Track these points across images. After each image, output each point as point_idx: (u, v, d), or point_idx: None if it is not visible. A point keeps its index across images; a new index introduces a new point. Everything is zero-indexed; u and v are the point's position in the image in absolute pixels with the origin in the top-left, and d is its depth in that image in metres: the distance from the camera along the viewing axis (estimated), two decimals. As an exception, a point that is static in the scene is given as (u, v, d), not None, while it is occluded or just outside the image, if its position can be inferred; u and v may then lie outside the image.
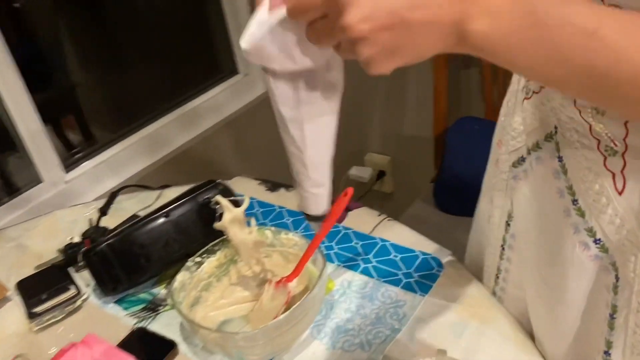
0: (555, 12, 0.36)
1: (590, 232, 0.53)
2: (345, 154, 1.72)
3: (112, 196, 0.91)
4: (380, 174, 1.69)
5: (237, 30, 1.72)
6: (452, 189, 1.25)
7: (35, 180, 1.32)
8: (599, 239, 0.52)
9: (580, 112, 0.50)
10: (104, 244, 0.77)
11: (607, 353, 0.55)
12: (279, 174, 1.99)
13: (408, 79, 1.46)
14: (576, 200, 0.53)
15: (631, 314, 0.52)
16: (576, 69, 0.37)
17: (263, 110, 1.81)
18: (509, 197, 0.66)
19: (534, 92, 0.57)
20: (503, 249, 0.69)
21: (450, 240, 1.15)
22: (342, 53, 0.40)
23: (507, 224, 0.67)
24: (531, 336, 0.67)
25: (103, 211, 0.86)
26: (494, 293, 0.74)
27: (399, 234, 0.84)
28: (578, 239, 0.54)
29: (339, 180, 1.76)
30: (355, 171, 1.71)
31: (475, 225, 0.82)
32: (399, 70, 0.41)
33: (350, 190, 0.71)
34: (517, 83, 0.62)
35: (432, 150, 1.41)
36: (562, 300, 0.58)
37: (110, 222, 0.91)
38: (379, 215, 0.88)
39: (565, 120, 0.52)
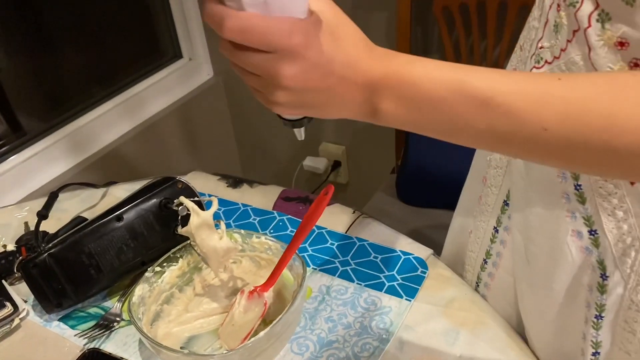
0: (451, 86, 0.38)
1: (588, 221, 0.49)
2: (299, 144, 1.65)
3: (53, 196, 0.80)
4: (335, 165, 1.63)
5: (180, 11, 1.61)
6: (416, 180, 1.21)
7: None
8: (595, 230, 0.49)
9: None
10: (45, 254, 0.66)
11: (595, 354, 0.53)
12: (233, 168, 1.91)
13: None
14: (579, 185, 0.49)
15: (621, 311, 0.50)
16: (479, 134, 0.38)
17: (211, 97, 1.71)
18: (509, 174, 0.61)
19: (546, 61, 0.52)
20: (497, 230, 0.65)
21: (418, 234, 1.11)
22: (251, 82, 0.41)
23: (505, 204, 0.63)
24: (522, 335, 0.64)
25: (43, 214, 0.75)
26: (478, 279, 0.70)
27: (377, 233, 0.78)
28: (573, 225, 0.51)
29: (293, 172, 1.69)
30: (309, 162, 1.65)
31: (459, 210, 0.77)
32: None
33: (331, 189, 0.64)
34: (527, 50, 0.56)
35: (391, 139, 1.36)
36: (550, 290, 0.55)
37: (49, 225, 0.79)
38: (354, 212, 0.82)
39: None
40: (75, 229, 0.70)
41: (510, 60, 0.60)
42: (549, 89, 0.36)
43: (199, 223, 0.61)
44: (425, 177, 1.19)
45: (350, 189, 1.71)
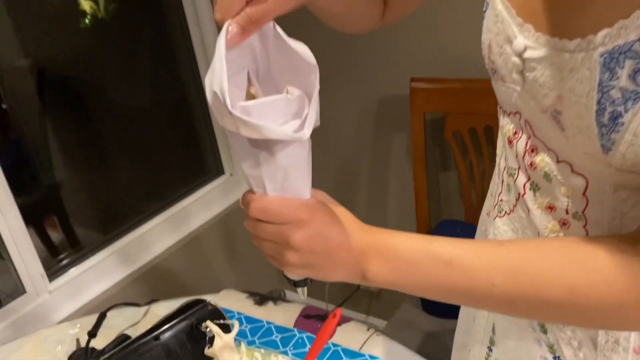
0: (422, 250, 0.48)
1: (551, 349, 0.56)
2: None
3: (101, 316, 0.91)
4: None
5: (222, 131, 1.78)
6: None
7: (18, 290, 1.30)
8: (559, 357, 0.56)
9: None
10: (92, 371, 0.76)
11: None
12: (270, 279, 1.99)
13: (389, 185, 1.51)
14: None
15: None
16: (446, 290, 0.47)
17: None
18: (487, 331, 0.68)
19: (506, 212, 0.60)
20: (490, 349, 0.71)
21: (442, 345, 1.15)
22: (267, 249, 0.51)
23: (494, 325, 0.69)
24: None
25: (92, 333, 0.85)
26: None
27: (389, 350, 0.84)
28: (540, 352, 0.57)
29: (326, 282, 1.76)
30: (341, 269, 1.72)
31: (459, 327, 0.83)
32: (380, 178, 0.51)
33: (339, 312, 0.73)
34: (492, 198, 0.65)
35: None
36: None
37: (96, 342, 0.90)
38: (368, 329, 0.89)
39: None
40: (119, 347, 0.79)
41: (485, 204, 0.69)
42: (494, 253, 0.46)
43: (222, 345, 0.70)
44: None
45: (382, 297, 1.76)
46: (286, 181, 0.47)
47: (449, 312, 1.27)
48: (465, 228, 1.31)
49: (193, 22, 1.63)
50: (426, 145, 1.29)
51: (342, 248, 0.49)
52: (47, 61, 1.44)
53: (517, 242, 0.48)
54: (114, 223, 1.56)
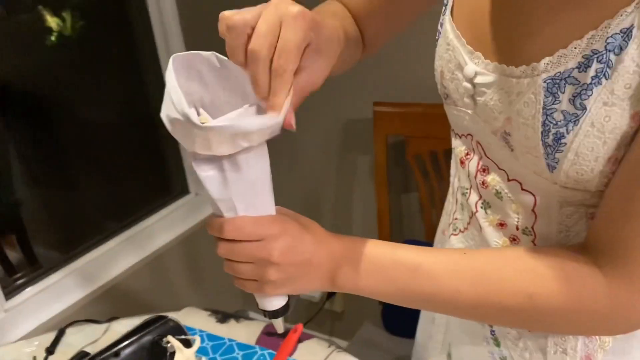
0: (390, 257, 0.50)
1: None
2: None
3: (60, 333, 0.90)
4: (331, 293, 1.72)
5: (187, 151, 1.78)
6: (400, 311, 1.28)
7: (-27, 309, 1.27)
8: None
9: None
10: (48, 389, 0.75)
11: None
12: (234, 299, 1.97)
13: (353, 205, 1.54)
14: (493, 331, 0.59)
15: None
16: (411, 296, 0.50)
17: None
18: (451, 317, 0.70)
19: (460, 230, 0.63)
20: None
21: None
22: (245, 273, 0.50)
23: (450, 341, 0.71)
24: None
25: (50, 350, 0.84)
26: None
27: (348, 366, 0.85)
28: None
29: (290, 300, 1.76)
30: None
31: (416, 344, 0.85)
32: (344, 198, 0.52)
33: (300, 327, 0.74)
34: (447, 217, 0.68)
35: (378, 270, 1.45)
36: None
37: (54, 359, 0.88)
38: (329, 346, 0.90)
39: None
40: (77, 364, 0.79)
41: (440, 222, 0.72)
42: (458, 261, 0.49)
43: (183, 360, 0.71)
44: (408, 308, 1.27)
45: (345, 317, 1.78)
46: (256, 198, 0.48)
47: (411, 331, 1.29)
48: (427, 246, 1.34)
49: (161, 39, 1.64)
50: (388, 167, 1.33)
51: (317, 256, 0.50)
52: (11, 76, 1.43)
53: (478, 251, 0.50)
54: (74, 242, 1.54)
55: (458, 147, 0.59)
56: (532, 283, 0.46)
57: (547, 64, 0.44)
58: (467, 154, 0.57)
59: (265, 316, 0.55)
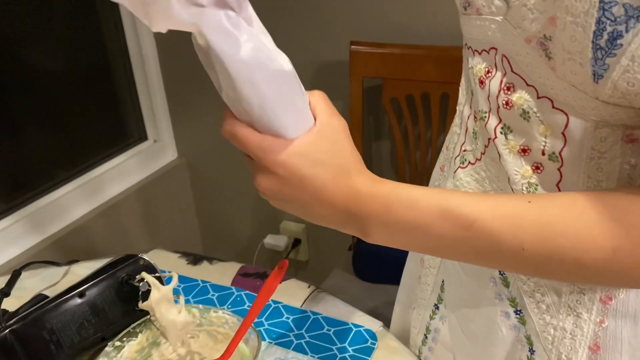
0: (436, 213, 0.43)
1: (513, 302, 0.55)
2: (260, 222, 1.70)
3: (15, 274, 0.82)
4: (296, 242, 1.68)
5: (146, 93, 1.68)
6: (370, 257, 1.26)
7: None
8: (520, 310, 0.55)
9: (512, 189, 0.52)
10: (6, 330, 0.68)
11: None
12: (194, 247, 1.93)
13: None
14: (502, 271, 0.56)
15: None
16: (463, 254, 0.44)
17: (173, 178, 1.76)
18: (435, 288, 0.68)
19: (470, 162, 0.59)
20: (437, 307, 0.70)
21: (373, 310, 1.15)
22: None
23: (443, 283, 0.68)
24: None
25: (5, 292, 0.76)
26: (419, 353, 0.74)
27: (331, 307, 0.82)
28: (501, 307, 0.56)
29: (254, 249, 1.72)
30: (270, 239, 1.69)
31: (402, 286, 0.82)
32: None
33: (285, 263, 0.69)
34: (451, 150, 0.64)
35: (347, 219, 1.43)
36: None
37: (10, 303, 0.81)
38: (309, 287, 0.87)
39: (499, 192, 0.55)
40: (37, 305, 0.72)
41: (438, 159, 0.68)
42: (522, 213, 0.42)
43: (159, 297, 0.65)
44: (379, 254, 1.25)
45: (310, 266, 1.75)
46: (262, 109, 0.42)
47: (382, 277, 1.27)
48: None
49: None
50: (363, 112, 1.28)
51: (320, 204, 0.44)
52: None
53: (545, 198, 0.44)
54: (23, 189, 1.43)
55: (477, 65, 0.52)
56: (617, 235, 0.40)
57: None
58: (488, 71, 0.51)
59: None
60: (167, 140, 1.75)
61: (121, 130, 1.73)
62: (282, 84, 0.43)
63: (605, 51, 0.39)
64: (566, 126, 0.45)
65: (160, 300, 0.65)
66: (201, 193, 1.81)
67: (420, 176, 1.30)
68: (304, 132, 0.44)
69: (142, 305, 0.67)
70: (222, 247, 1.86)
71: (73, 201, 1.47)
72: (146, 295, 0.68)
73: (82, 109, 1.62)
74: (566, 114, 0.44)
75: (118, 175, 1.61)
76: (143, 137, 1.75)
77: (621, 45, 0.38)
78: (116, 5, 1.55)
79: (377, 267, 1.27)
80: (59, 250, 1.37)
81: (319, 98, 0.47)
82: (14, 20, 1.40)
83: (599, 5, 0.38)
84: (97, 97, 1.67)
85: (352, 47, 1.24)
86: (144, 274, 0.68)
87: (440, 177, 0.67)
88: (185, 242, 1.81)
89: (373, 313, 0.81)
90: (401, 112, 1.27)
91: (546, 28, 0.42)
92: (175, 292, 0.68)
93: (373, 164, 1.46)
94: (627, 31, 0.37)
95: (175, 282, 0.66)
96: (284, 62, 0.43)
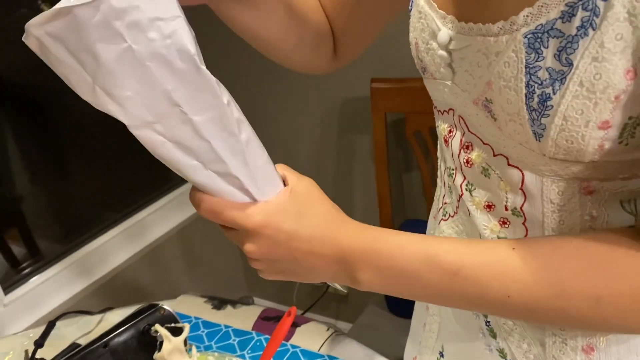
0: (424, 260, 0.43)
1: (502, 353, 0.54)
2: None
3: (50, 326, 0.87)
4: (334, 276, 1.69)
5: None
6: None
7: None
8: None
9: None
10: (37, 382, 0.72)
11: None
12: (238, 285, 1.96)
13: (353, 186, 1.51)
14: (488, 322, 0.55)
15: None
16: (451, 299, 0.44)
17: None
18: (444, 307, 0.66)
19: (450, 215, 0.59)
20: (442, 355, 0.69)
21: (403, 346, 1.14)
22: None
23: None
24: None
25: (39, 343, 0.82)
26: None
27: (349, 350, 0.82)
28: (491, 357, 0.55)
29: (294, 285, 1.74)
30: (308, 274, 1.70)
31: (410, 336, 0.82)
32: (344, 179, 0.47)
33: (293, 310, 0.71)
34: (437, 201, 0.64)
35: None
36: None
37: (48, 352, 0.86)
38: (327, 329, 0.87)
39: None
40: (67, 356, 0.76)
41: (431, 209, 0.68)
42: (506, 260, 0.42)
43: (171, 348, 0.68)
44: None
45: (350, 299, 1.75)
46: (242, 178, 0.43)
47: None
48: (428, 227, 1.31)
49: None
50: (388, 145, 1.29)
51: (314, 256, 0.44)
52: (9, 71, 1.41)
53: (528, 245, 0.43)
54: (75, 233, 1.52)
55: (441, 124, 0.54)
56: (600, 285, 0.39)
57: (527, 16, 0.39)
58: (450, 131, 0.53)
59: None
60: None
61: (162, 174, 1.81)
62: (256, 151, 0.44)
63: (538, 112, 0.40)
64: (522, 182, 0.45)
65: (172, 351, 0.68)
66: (242, 230, 1.85)
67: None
68: (273, 194, 0.45)
69: (156, 356, 0.70)
70: (264, 283, 1.89)
71: (118, 245, 1.54)
72: (162, 346, 0.71)
73: (127, 155, 1.71)
74: (521, 170, 0.45)
75: (160, 218, 1.67)
76: (182, 179, 1.80)
77: (552, 106, 0.39)
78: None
79: (410, 303, 1.26)
80: (103, 294, 1.44)
81: (281, 165, 0.48)
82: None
83: (525, 70, 0.39)
84: (139, 145, 1.75)
85: (373, 84, 1.25)
86: (157, 326, 0.71)
87: (434, 226, 0.67)
88: (229, 281, 1.86)
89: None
90: (426, 144, 1.27)
91: (486, 92, 0.44)
92: (198, 338, 0.71)
93: (404, 196, 1.45)
94: (554, 93, 0.38)
95: (185, 333, 0.69)
96: (248, 132, 0.43)
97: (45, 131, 1.52)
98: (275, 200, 0.45)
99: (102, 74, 0.36)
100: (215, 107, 0.40)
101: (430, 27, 0.49)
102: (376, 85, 1.25)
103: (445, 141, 0.54)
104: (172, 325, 0.75)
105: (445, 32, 0.47)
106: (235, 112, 0.41)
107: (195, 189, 0.45)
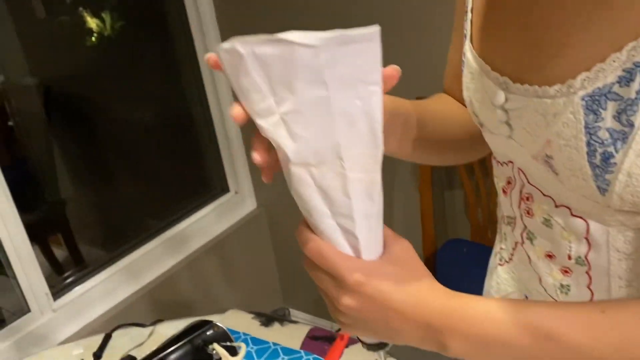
0: (516, 325, 0.42)
1: None
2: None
3: (107, 337, 0.90)
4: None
5: (227, 147, 1.78)
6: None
7: (22, 309, 1.30)
8: None
9: (545, 290, 0.53)
10: (96, 394, 0.75)
11: None
12: (274, 298, 1.97)
13: (394, 204, 1.51)
14: None
15: None
16: None
17: (255, 228, 1.84)
18: None
19: (505, 261, 0.60)
20: None
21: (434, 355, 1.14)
22: (322, 288, 0.46)
23: None
24: None
25: (98, 355, 0.85)
26: None
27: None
28: None
29: (330, 298, 1.75)
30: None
31: None
32: (386, 196, 0.47)
33: (346, 335, 0.72)
34: (496, 245, 0.64)
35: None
36: None
37: (101, 363, 0.89)
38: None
39: (534, 292, 0.55)
40: (124, 370, 0.79)
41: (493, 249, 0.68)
42: (598, 324, 0.41)
43: (229, 369, 0.69)
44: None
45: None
46: (360, 223, 0.43)
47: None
48: (471, 247, 1.30)
49: (198, 37, 1.64)
50: (432, 167, 1.29)
51: (404, 319, 0.43)
52: (54, 79, 1.45)
53: (617, 306, 0.43)
54: (118, 241, 1.56)
55: (500, 175, 0.55)
56: None
57: (584, 80, 0.39)
58: (509, 182, 0.53)
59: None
60: (247, 192, 1.83)
61: (205, 183, 1.84)
62: (380, 219, 0.46)
63: (602, 169, 0.40)
64: (587, 231, 0.45)
65: (230, 371, 0.70)
66: (280, 242, 1.87)
67: (494, 224, 1.28)
68: (377, 255, 0.46)
69: (214, 375, 0.72)
70: (301, 296, 1.90)
71: (162, 253, 1.58)
72: (219, 362, 0.73)
73: (170, 163, 1.75)
74: (585, 221, 0.45)
75: (202, 227, 1.70)
76: (225, 189, 1.84)
77: (615, 163, 0.39)
78: (196, 61, 1.66)
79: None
80: (148, 302, 1.47)
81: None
82: (107, 79, 1.55)
83: (585, 130, 0.40)
84: (182, 152, 1.79)
85: (419, 103, 1.26)
86: (215, 345, 0.73)
87: (492, 266, 0.67)
88: (265, 293, 1.87)
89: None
90: (471, 163, 1.27)
91: (546, 148, 0.44)
92: (247, 356, 0.72)
93: (446, 215, 1.45)
94: (616, 152, 0.38)
95: (242, 353, 0.71)
96: (381, 200, 0.45)
97: (89, 137, 1.56)
98: (380, 263, 0.45)
99: (292, 109, 0.38)
100: (371, 172, 0.42)
101: (484, 88, 0.50)
102: (422, 104, 1.26)
103: (504, 191, 0.54)
104: (228, 344, 0.77)
105: (500, 94, 0.48)
106: (380, 179, 0.44)
107: (305, 226, 0.46)
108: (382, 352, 0.50)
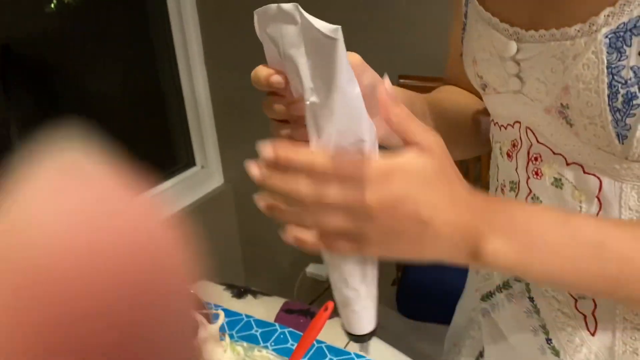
0: (564, 230, 0.40)
1: None
2: (302, 251, 1.70)
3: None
4: (337, 272, 1.67)
5: (195, 121, 1.73)
6: (415, 293, 1.24)
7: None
8: None
9: None
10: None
11: None
12: (236, 274, 1.94)
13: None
14: (550, 339, 0.53)
15: None
16: (588, 276, 0.40)
17: (220, 204, 1.79)
18: (478, 342, 0.66)
19: None
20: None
21: (415, 349, 1.13)
22: (333, 222, 0.38)
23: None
24: None
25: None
26: None
27: (375, 349, 0.80)
28: None
29: (296, 278, 1.72)
30: (312, 269, 1.69)
31: (451, 328, 0.80)
32: None
33: (331, 305, 0.69)
34: None
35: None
36: None
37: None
38: (353, 327, 0.85)
39: None
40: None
41: None
42: None
43: (206, 336, 0.65)
44: (425, 290, 1.23)
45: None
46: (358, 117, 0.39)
47: (427, 315, 1.25)
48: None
49: (174, 8, 1.57)
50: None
51: (440, 218, 0.37)
52: (11, 42, 1.37)
53: None
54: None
55: (502, 140, 0.53)
56: None
57: (608, 15, 0.38)
58: (514, 145, 0.51)
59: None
60: (215, 167, 1.78)
61: (171, 156, 1.78)
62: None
63: (623, 112, 0.39)
64: (600, 189, 0.44)
65: (208, 339, 0.66)
66: (245, 219, 1.82)
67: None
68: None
69: (188, 342, 0.67)
70: (264, 274, 1.87)
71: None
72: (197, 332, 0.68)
73: (135, 136, 1.68)
74: (599, 178, 0.44)
75: (164, 201, 1.64)
76: (191, 163, 1.78)
77: (638, 105, 0.38)
78: (170, 34, 1.60)
79: (422, 304, 1.25)
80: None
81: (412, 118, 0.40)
82: (70, 47, 1.47)
83: (607, 70, 0.38)
84: (148, 125, 1.73)
85: (401, 80, 1.24)
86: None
87: None
88: (227, 269, 1.83)
89: (416, 352, 0.80)
90: (467, 161, 1.26)
91: (562, 97, 0.43)
92: (221, 329, 0.68)
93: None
94: None
95: (221, 320, 0.67)
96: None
97: (48, 105, 1.48)
98: (406, 152, 0.38)
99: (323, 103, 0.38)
100: None
101: (492, 42, 0.49)
102: (404, 82, 1.23)
103: (509, 155, 0.52)
104: (204, 311, 0.72)
105: (512, 45, 0.46)
106: None
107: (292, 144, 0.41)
108: (368, 344, 0.48)
